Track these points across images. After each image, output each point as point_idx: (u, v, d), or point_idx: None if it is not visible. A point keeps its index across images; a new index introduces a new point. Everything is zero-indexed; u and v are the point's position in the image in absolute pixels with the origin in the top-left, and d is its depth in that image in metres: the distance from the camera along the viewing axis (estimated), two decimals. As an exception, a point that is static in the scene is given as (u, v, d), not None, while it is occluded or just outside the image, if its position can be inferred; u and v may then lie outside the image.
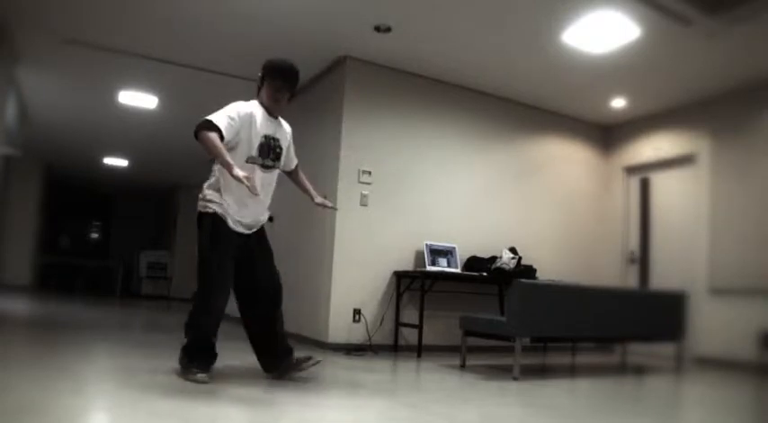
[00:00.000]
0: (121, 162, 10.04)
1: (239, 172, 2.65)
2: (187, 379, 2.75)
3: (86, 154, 9.62)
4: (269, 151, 2.98)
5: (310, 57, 5.01)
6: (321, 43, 4.77)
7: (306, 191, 3.32)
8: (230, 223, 2.89)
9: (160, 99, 6.47)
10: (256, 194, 2.77)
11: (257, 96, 3.06)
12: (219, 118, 2.82)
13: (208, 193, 2.93)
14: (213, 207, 2.89)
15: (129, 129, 7.78)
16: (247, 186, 2.64)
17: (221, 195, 2.89)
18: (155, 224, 14.02)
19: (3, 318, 5.46)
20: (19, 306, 6.97)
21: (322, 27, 4.50)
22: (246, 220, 2.95)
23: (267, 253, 3.08)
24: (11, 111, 5.89)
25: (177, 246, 11.82)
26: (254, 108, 2.96)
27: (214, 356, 2.90)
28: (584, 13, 4.05)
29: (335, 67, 5.11)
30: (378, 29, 4.45)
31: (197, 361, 2.82)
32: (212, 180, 2.95)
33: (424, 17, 4.27)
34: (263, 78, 3.03)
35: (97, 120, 7.44)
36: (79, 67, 5.70)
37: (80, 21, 4.65)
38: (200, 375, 2.74)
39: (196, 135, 2.81)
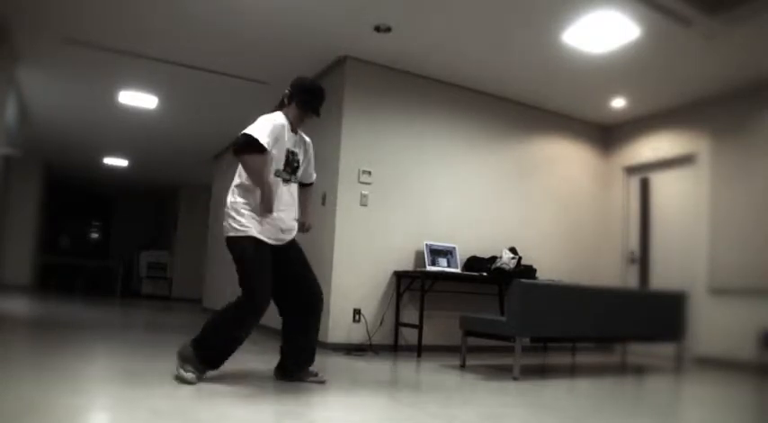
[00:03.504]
0: (121, 162, 10.05)
1: (273, 211, 2.82)
2: (177, 375, 2.73)
3: (86, 154, 9.62)
4: (289, 165, 2.97)
5: (310, 57, 5.02)
6: (321, 43, 4.77)
7: (303, 208, 3.17)
8: (267, 240, 2.85)
9: (160, 99, 6.47)
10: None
11: (279, 108, 3.04)
12: (261, 133, 2.77)
13: (239, 214, 2.85)
14: (247, 230, 2.82)
15: (129, 129, 7.78)
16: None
17: (254, 212, 2.83)
18: (155, 224, 14.03)
19: (3, 318, 5.46)
20: (19, 306, 6.97)
21: (322, 27, 4.50)
22: (281, 233, 2.92)
23: (303, 259, 3.06)
24: (11, 111, 5.89)
25: (177, 246, 11.84)
26: (284, 122, 2.95)
27: (216, 368, 2.87)
28: (584, 13, 4.06)
29: (335, 67, 5.11)
30: (378, 29, 4.45)
31: (196, 361, 2.79)
32: (241, 201, 2.86)
33: (424, 17, 4.27)
34: (291, 96, 3.02)
35: (97, 120, 7.45)
36: (79, 67, 5.70)
37: (80, 21, 4.65)
38: (190, 375, 2.71)
39: (238, 153, 2.77)
